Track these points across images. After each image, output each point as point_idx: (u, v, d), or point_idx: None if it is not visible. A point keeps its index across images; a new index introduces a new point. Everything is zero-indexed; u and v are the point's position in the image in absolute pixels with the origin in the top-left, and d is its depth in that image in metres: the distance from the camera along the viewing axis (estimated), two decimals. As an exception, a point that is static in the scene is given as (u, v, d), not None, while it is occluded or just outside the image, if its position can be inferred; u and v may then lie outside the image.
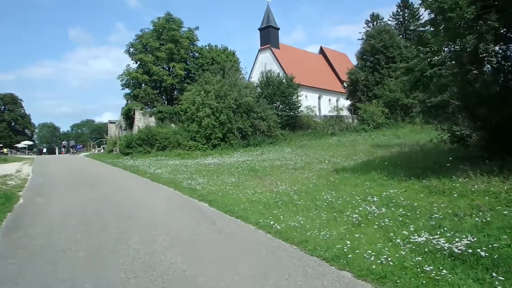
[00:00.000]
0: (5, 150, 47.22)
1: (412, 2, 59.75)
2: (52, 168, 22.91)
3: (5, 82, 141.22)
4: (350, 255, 4.91)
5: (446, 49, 13.85)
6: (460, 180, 8.09)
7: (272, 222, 6.77)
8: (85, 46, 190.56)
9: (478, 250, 4.59)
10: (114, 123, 43.17)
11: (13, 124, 73.01)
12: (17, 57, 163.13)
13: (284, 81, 34.16)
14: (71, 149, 49.50)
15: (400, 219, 6.34)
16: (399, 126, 34.02)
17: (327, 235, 5.84)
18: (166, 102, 40.18)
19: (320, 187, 9.99)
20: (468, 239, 4.98)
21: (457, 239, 5.02)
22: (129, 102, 38.01)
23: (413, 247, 5.08)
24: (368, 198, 7.82)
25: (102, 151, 42.47)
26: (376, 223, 6.24)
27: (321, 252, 5.21)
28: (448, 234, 5.35)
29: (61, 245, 6.33)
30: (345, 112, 42.45)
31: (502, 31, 9.95)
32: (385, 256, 4.78)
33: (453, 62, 12.05)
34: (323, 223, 6.54)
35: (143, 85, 37.89)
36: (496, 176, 7.79)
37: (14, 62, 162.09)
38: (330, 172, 12.54)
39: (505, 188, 7.06)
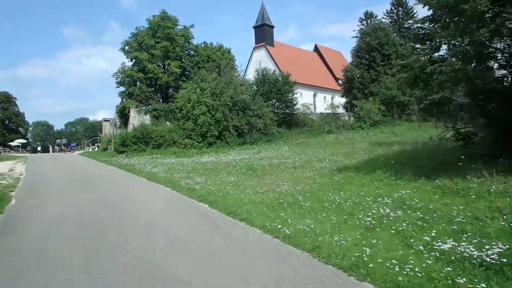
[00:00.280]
0: (-2, 148, 46.61)
1: (406, 0, 59.83)
2: (46, 167, 22.49)
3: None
4: (371, 265, 4.51)
5: (445, 45, 13.66)
6: (474, 180, 7.73)
7: (279, 226, 6.34)
8: (79, 45, 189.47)
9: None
10: (109, 121, 42.70)
11: (6, 122, 71.99)
12: (11, 55, 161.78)
13: (280, 78, 33.79)
14: (62, 148, 48.79)
15: (417, 222, 5.94)
16: (396, 124, 33.74)
17: (341, 241, 5.43)
18: (161, 100, 39.72)
19: (325, 187, 9.60)
20: (499, 246, 4.59)
21: (486, 246, 4.63)
22: (124, 100, 37.59)
23: (438, 255, 4.69)
24: (379, 200, 7.45)
25: (96, 149, 42.02)
26: (393, 227, 5.84)
27: (336, 260, 4.80)
28: (475, 240, 4.96)
29: (55, 251, 5.93)
30: (340, 110, 42.17)
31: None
32: (409, 266, 4.39)
33: (459, 58, 11.73)
34: (334, 227, 6.14)
35: (138, 83, 37.48)
36: (513, 175, 7.44)
37: (9, 61, 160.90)
38: (332, 171, 12.17)
39: (526, 189, 6.74)
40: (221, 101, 28.01)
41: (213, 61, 37.24)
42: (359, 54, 40.88)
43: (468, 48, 10.51)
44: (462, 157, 8.90)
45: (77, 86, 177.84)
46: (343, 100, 46.25)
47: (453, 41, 13.32)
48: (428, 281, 4.04)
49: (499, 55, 11.01)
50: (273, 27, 52.36)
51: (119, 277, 4.74)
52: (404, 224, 5.92)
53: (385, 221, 6.21)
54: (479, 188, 7.16)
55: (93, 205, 9.61)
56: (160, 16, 37.91)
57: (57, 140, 56.00)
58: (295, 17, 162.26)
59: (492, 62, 11.57)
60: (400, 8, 60.39)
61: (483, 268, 4.21)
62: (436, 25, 13.18)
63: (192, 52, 40.40)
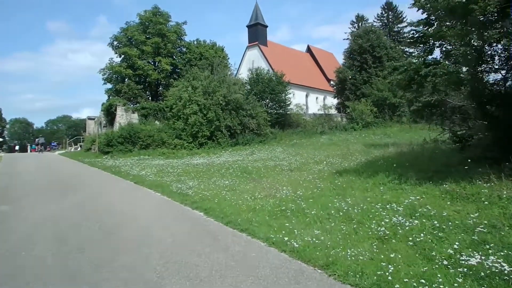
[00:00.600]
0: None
1: (396, 5, 60.49)
2: (22, 168, 21.50)
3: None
4: (397, 285, 3.98)
5: (438, 48, 13.43)
6: (482, 184, 7.33)
7: (285, 238, 5.74)
8: (65, 39, 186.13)
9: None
10: (93, 119, 41.54)
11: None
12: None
13: (274, 78, 33.32)
14: (38, 147, 47.09)
15: (434, 232, 5.44)
16: (388, 125, 33.73)
17: (356, 255, 4.87)
18: (150, 98, 38.71)
19: (327, 192, 9.06)
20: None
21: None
22: (110, 98, 36.44)
23: (466, 270, 4.20)
24: (388, 206, 6.92)
25: (79, 149, 40.74)
26: (409, 238, 5.33)
27: (355, 278, 4.24)
28: (501, 253, 4.50)
29: (28, 273, 5.14)
30: (333, 111, 41.95)
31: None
32: (439, 286, 3.90)
33: (459, 60, 11.48)
34: (345, 238, 5.58)
35: (126, 79, 36.38)
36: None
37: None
38: (331, 174, 11.68)
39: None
40: (213, 100, 27.42)
41: (205, 59, 36.57)
42: (351, 55, 40.85)
43: (467, 50, 10.22)
44: (469, 160, 8.50)
45: (61, 82, 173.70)
46: (335, 101, 46.11)
47: (448, 45, 13.15)
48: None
49: (496, 57, 10.82)
50: (266, 26, 52.02)
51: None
52: (420, 234, 5.43)
53: (399, 230, 5.70)
54: (490, 194, 6.76)
55: (74, 214, 8.83)
56: (152, 12, 37.01)
57: (37, 139, 54.14)
58: (287, 18, 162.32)
59: (490, 64, 11.31)
60: (390, 12, 60.99)
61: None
62: (430, 28, 13.02)
63: (184, 49, 39.56)
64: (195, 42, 40.39)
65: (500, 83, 10.28)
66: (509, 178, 7.32)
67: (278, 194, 9.34)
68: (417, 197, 7.25)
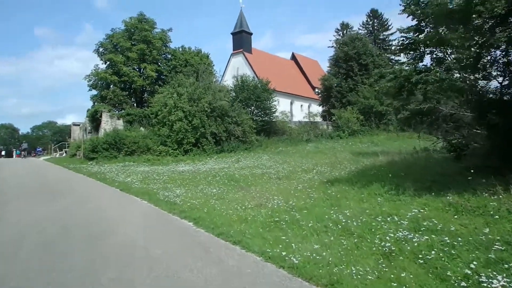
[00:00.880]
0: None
1: (381, 12, 60.90)
2: (5, 174, 20.89)
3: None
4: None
5: (429, 55, 13.44)
6: (487, 196, 7.08)
7: (283, 252, 5.45)
8: (51, 46, 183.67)
9: None
10: (79, 125, 40.78)
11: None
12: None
13: (259, 85, 33.12)
14: (22, 153, 46.19)
15: (444, 249, 5.15)
16: (374, 133, 33.84)
17: (362, 273, 4.60)
18: (135, 104, 38.19)
19: (320, 202, 8.82)
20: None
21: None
22: (96, 104, 35.86)
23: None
24: (389, 219, 6.66)
25: (64, 155, 39.94)
26: (418, 255, 5.03)
27: (365, 302, 4.00)
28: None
29: (11, 281, 4.91)
30: (318, 118, 41.94)
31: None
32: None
33: (455, 67, 11.42)
34: (347, 254, 5.30)
35: (111, 86, 35.82)
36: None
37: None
38: (322, 183, 11.45)
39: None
40: (198, 107, 27.11)
41: (191, 65, 36.26)
42: (337, 63, 40.95)
43: (467, 55, 10.14)
44: (470, 170, 8.18)
45: (46, 87, 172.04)
46: (320, 109, 46.13)
47: (439, 51, 13.14)
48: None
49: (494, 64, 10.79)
50: (251, 34, 51.92)
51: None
52: (430, 251, 5.13)
53: (405, 246, 5.40)
54: (498, 207, 6.48)
55: (57, 223, 8.42)
56: (137, 18, 36.59)
57: (22, 145, 53.10)
58: (270, 26, 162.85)
59: (488, 71, 11.30)
60: (375, 20, 61.19)
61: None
62: (421, 34, 13.01)
63: (169, 56, 39.25)
64: (180, 49, 40.07)
65: (500, 90, 10.19)
66: None
67: (269, 204, 9.06)
68: (419, 210, 6.98)
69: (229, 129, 28.02)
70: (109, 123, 32.02)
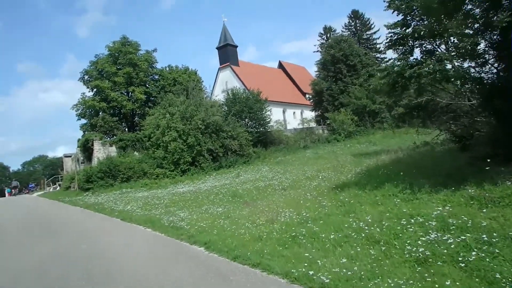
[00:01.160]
0: None
1: (362, 12, 61.21)
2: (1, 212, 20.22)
3: None
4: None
5: (418, 49, 13.26)
6: (510, 184, 6.68)
7: (309, 271, 4.94)
8: (35, 80, 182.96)
9: None
10: (70, 156, 40.07)
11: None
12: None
13: (250, 96, 32.78)
14: (13, 190, 45.38)
15: (483, 248, 4.67)
16: (370, 133, 33.65)
17: (403, 285, 4.12)
18: (127, 129, 37.51)
19: (333, 210, 8.37)
20: None
21: None
22: (86, 133, 35.18)
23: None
24: (412, 221, 6.19)
25: (58, 188, 39.08)
26: (457, 257, 4.59)
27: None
28: None
29: None
30: (312, 124, 41.66)
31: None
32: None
33: (454, 55, 11.17)
34: (379, 265, 4.82)
35: (100, 113, 35.11)
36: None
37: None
38: (331, 189, 11.00)
39: None
40: (192, 124, 26.65)
41: (179, 84, 35.79)
42: (325, 66, 40.82)
43: (467, 42, 9.88)
44: (488, 159, 7.78)
45: (33, 122, 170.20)
46: (312, 114, 45.90)
47: (428, 43, 12.96)
48: None
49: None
50: (236, 46, 51.79)
51: None
52: (468, 252, 4.67)
53: (439, 249, 4.93)
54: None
55: (56, 263, 7.79)
56: (120, 42, 36.08)
57: (14, 182, 52.22)
58: (253, 38, 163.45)
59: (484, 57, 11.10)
60: (357, 21, 61.43)
61: None
62: (408, 29, 12.81)
63: (156, 77, 38.74)
64: (167, 68, 39.66)
65: (498, 75, 9.92)
66: None
67: (281, 218, 8.58)
68: (442, 207, 6.54)
69: (225, 144, 27.54)
70: (101, 151, 31.41)
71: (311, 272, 4.98)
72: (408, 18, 12.80)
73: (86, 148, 33.34)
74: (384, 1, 13.22)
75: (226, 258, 6.48)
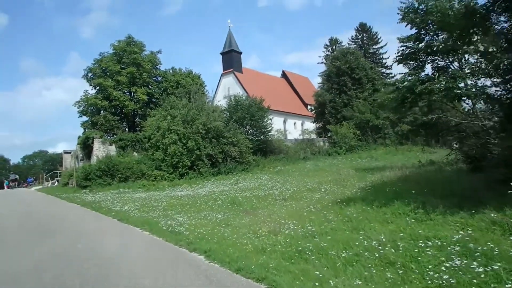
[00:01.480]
0: None
1: (370, 26, 61.02)
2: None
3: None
4: None
5: (429, 65, 13.07)
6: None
7: None
8: (39, 77, 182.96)
9: None
10: (70, 153, 39.88)
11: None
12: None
13: (253, 103, 32.52)
14: (10, 183, 45.09)
15: None
16: (372, 148, 33.29)
17: None
18: (127, 129, 37.31)
19: (340, 225, 8.04)
20: None
21: None
22: (86, 130, 34.93)
23: None
24: (430, 243, 5.83)
25: (56, 184, 38.78)
26: None
27: None
28: None
29: None
30: (313, 135, 41.37)
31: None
32: None
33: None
34: None
35: (102, 111, 34.94)
36: None
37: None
38: (335, 203, 10.69)
39: None
40: (193, 128, 26.39)
41: (182, 87, 35.58)
42: (329, 78, 40.55)
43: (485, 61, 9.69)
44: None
45: (36, 118, 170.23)
46: (313, 126, 45.65)
47: (440, 60, 12.77)
48: None
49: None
50: (240, 53, 51.64)
51: None
52: (501, 284, 4.29)
53: (468, 278, 4.53)
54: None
55: (53, 265, 7.36)
56: (125, 41, 35.94)
57: (13, 175, 51.93)
58: (255, 47, 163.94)
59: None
60: (364, 34, 61.24)
61: None
62: (420, 43, 12.63)
63: (160, 78, 38.63)
64: (171, 71, 39.53)
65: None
66: None
67: (285, 230, 8.26)
68: (462, 231, 6.18)
69: (225, 150, 27.22)
70: (101, 149, 31.13)
71: (324, 293, 4.63)
72: (422, 32, 12.62)
73: (86, 146, 33.15)
74: (398, 14, 13.07)
75: (228, 269, 6.14)
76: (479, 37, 9.66)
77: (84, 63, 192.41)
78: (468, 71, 11.44)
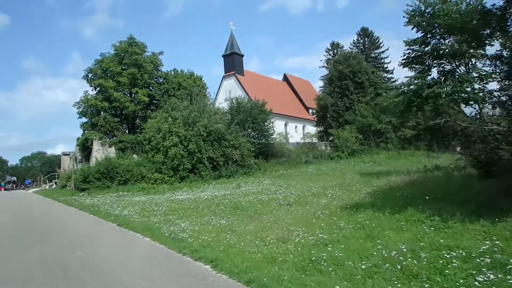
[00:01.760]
0: None
1: (372, 30, 60.75)
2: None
3: None
4: None
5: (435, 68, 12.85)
6: None
7: None
8: (39, 77, 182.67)
9: None
10: (68, 155, 39.51)
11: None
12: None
13: (255, 106, 32.16)
14: (6, 185, 44.91)
15: None
16: (374, 152, 32.95)
17: None
18: (127, 131, 36.96)
19: (352, 233, 7.64)
20: None
21: None
22: (86, 132, 34.55)
23: None
24: (454, 254, 5.43)
25: (54, 186, 38.49)
26: None
27: None
28: None
29: None
30: (315, 139, 40.99)
31: None
32: None
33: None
34: None
35: (102, 112, 34.58)
36: None
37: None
38: (343, 209, 10.31)
39: None
40: (194, 131, 26.05)
41: (184, 88, 35.24)
42: (331, 82, 40.22)
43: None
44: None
45: (34, 119, 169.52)
46: (314, 129, 45.30)
47: (447, 64, 12.53)
48: None
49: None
50: (242, 56, 51.31)
51: None
52: None
53: None
54: None
55: (45, 274, 6.85)
56: (127, 42, 35.66)
57: (12, 178, 51.61)
58: (256, 51, 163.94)
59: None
60: (366, 38, 60.95)
61: None
62: (427, 47, 12.40)
63: (161, 80, 38.34)
64: (173, 72, 39.17)
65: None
66: None
67: (294, 238, 7.85)
68: (488, 241, 5.79)
69: (227, 153, 26.86)
70: (100, 151, 30.78)
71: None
72: (428, 36, 12.38)
73: (85, 147, 32.83)
74: (404, 17, 12.82)
75: (237, 281, 5.67)
76: (495, 39, 9.37)
77: (85, 64, 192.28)
78: (476, 75, 11.22)
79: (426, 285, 4.64)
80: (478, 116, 12.05)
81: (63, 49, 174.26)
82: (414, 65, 12.98)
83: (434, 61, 12.49)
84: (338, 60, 41.23)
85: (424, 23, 11.83)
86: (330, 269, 5.64)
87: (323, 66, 62.20)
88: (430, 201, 8.56)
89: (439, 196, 8.86)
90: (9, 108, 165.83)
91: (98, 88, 34.74)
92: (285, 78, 61.40)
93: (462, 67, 12.06)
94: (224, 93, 47.35)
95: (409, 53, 12.79)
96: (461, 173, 13.11)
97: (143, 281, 6.18)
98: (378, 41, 60.38)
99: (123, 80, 33.81)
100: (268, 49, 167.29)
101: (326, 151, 35.28)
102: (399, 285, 4.73)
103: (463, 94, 10.79)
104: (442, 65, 12.44)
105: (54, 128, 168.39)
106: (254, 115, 31.18)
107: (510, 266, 4.82)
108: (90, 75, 35.50)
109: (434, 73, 12.60)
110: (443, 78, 12.20)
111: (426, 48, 12.25)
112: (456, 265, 5.05)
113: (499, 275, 4.62)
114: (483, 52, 11.47)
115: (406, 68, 13.28)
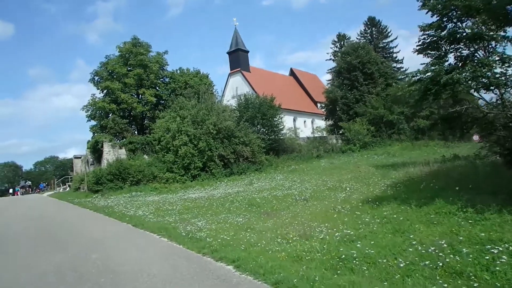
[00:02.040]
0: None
1: (379, 20, 59.64)
2: (4, 214, 19.48)
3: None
4: None
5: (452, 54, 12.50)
6: None
7: None
8: (47, 84, 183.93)
9: None
10: (80, 158, 39.65)
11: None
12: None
13: (264, 102, 31.76)
14: (20, 190, 45.42)
15: None
16: (387, 144, 32.43)
17: None
18: (136, 132, 36.79)
19: (379, 228, 7.24)
20: None
21: None
22: (96, 135, 34.38)
23: None
24: (500, 248, 5.00)
25: (67, 189, 38.63)
26: None
27: None
28: None
29: None
30: (325, 133, 40.47)
31: None
32: None
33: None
34: None
35: (110, 114, 34.27)
36: None
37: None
38: (365, 202, 9.92)
39: None
40: (203, 129, 25.85)
41: (191, 87, 34.84)
42: (340, 74, 39.57)
43: None
44: None
45: (45, 125, 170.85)
46: (324, 123, 44.78)
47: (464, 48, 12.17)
48: None
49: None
50: (247, 52, 50.61)
51: None
52: None
53: None
54: None
55: (63, 280, 6.61)
56: (131, 43, 35.29)
57: (27, 182, 52.20)
58: (260, 46, 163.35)
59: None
60: (374, 28, 59.86)
61: None
62: (443, 32, 12.05)
63: (167, 79, 38.03)
64: (178, 71, 38.83)
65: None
66: None
67: (317, 234, 7.49)
68: None
69: (237, 150, 26.59)
70: (111, 153, 30.69)
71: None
72: (444, 20, 11.98)
73: (95, 150, 32.86)
74: (418, 1, 12.44)
75: (264, 283, 5.28)
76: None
77: (90, 69, 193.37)
78: (497, 58, 10.78)
79: (475, 284, 4.24)
80: (499, 102, 11.61)
81: (68, 55, 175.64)
82: (430, 51, 12.60)
83: (451, 46, 12.11)
84: (346, 52, 40.52)
85: (440, 5, 11.44)
86: (362, 267, 5.26)
87: (330, 59, 61.32)
88: (459, 192, 8.12)
89: (468, 186, 8.39)
90: (19, 116, 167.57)
91: (105, 91, 34.51)
92: (292, 73, 60.65)
93: (480, 51, 11.63)
94: (230, 90, 46.90)
95: (424, 38, 12.41)
96: (484, 161, 12.66)
97: (163, 285, 5.84)
98: (386, 30, 59.23)
99: (129, 81, 33.49)
100: (271, 44, 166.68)
101: (337, 145, 34.84)
102: (445, 285, 4.32)
103: (483, 79, 10.41)
104: (459, 50, 12.06)
105: (64, 132, 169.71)
106: (263, 111, 30.87)
107: None
108: (96, 78, 35.21)
109: (451, 58, 12.22)
110: (461, 63, 11.81)
111: (442, 33, 11.88)
112: (504, 260, 4.63)
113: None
114: (504, 34, 11.04)
115: (420, 56, 12.92)
